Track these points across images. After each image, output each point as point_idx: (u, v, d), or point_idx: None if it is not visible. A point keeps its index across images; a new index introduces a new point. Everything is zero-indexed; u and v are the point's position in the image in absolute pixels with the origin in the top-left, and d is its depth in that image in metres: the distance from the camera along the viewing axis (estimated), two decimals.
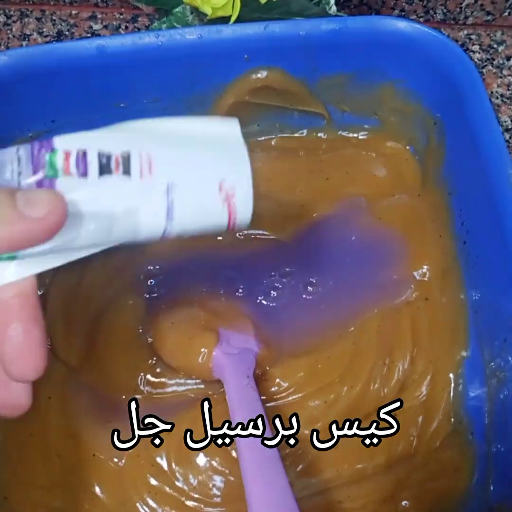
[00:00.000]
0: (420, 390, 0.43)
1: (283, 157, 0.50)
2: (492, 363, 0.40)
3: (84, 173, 0.25)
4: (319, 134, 0.51)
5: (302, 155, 0.50)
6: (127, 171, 0.26)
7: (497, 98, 0.57)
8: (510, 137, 0.56)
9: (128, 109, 0.46)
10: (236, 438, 0.34)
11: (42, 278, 0.45)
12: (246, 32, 0.43)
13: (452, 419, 0.42)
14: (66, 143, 0.25)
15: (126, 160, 0.26)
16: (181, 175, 0.27)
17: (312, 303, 0.45)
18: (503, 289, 0.39)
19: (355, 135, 0.51)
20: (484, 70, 0.58)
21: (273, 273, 0.46)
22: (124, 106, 0.46)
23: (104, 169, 0.25)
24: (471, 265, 0.43)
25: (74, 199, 0.25)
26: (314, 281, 0.46)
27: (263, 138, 0.51)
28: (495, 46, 0.60)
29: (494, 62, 0.59)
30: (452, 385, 0.43)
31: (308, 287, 0.45)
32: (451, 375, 0.43)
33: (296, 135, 0.51)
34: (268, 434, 0.34)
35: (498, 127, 0.39)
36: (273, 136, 0.51)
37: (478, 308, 0.42)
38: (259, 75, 0.46)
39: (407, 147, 0.50)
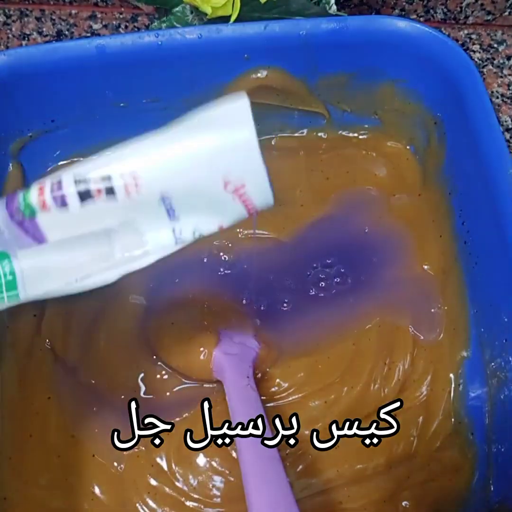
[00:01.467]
0: (421, 390, 0.43)
1: (283, 157, 0.50)
2: (493, 363, 0.40)
3: (63, 204, 0.24)
4: (319, 134, 0.51)
5: (302, 154, 0.50)
6: (110, 192, 0.24)
7: (497, 97, 0.57)
8: (510, 137, 0.56)
9: (128, 108, 0.46)
10: (236, 439, 0.34)
11: None
12: (246, 31, 0.43)
13: (453, 419, 0.42)
14: (39, 181, 0.25)
15: (107, 182, 0.24)
16: (176, 181, 0.25)
17: (311, 303, 0.45)
18: (504, 289, 0.39)
19: (355, 134, 0.51)
20: (484, 70, 0.58)
21: (273, 273, 0.46)
22: (123, 105, 0.46)
23: (85, 195, 0.24)
24: (471, 265, 0.43)
25: (61, 232, 0.24)
26: (312, 281, 0.45)
27: (263, 137, 0.51)
28: (495, 45, 0.59)
29: (495, 62, 0.59)
30: (453, 385, 0.43)
31: (307, 286, 0.45)
32: (451, 375, 0.43)
33: (296, 134, 0.51)
34: (268, 434, 0.34)
35: (499, 127, 0.39)
36: (273, 136, 0.51)
37: (479, 308, 0.42)
38: (259, 75, 0.46)
39: (408, 147, 0.50)
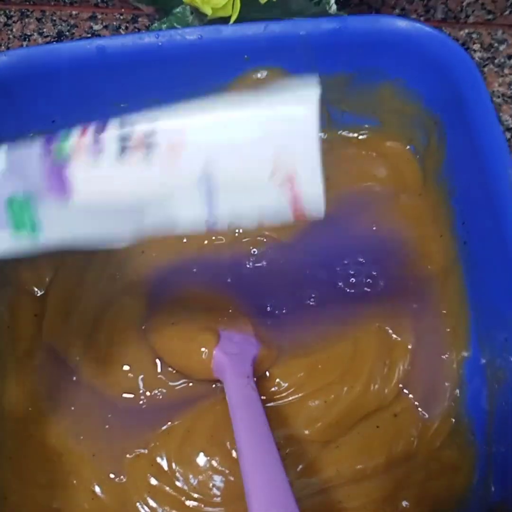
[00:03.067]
0: (421, 390, 0.42)
1: None
2: (493, 363, 0.40)
3: (100, 150, 0.23)
4: (319, 134, 0.51)
5: None
6: (150, 149, 0.23)
7: (498, 97, 0.57)
8: (511, 137, 0.56)
9: (128, 109, 0.46)
10: (236, 438, 0.34)
11: (42, 278, 0.45)
12: (246, 32, 0.43)
13: (453, 419, 0.42)
14: (85, 124, 0.24)
15: (151, 137, 0.23)
16: (222, 155, 0.23)
17: (311, 303, 0.45)
18: (504, 289, 0.38)
19: (355, 135, 0.51)
20: (485, 69, 0.58)
21: (273, 274, 0.46)
22: (124, 106, 0.46)
23: (124, 144, 0.23)
24: (471, 265, 0.43)
25: (88, 187, 0.23)
26: (312, 281, 0.45)
27: None
28: (496, 45, 0.59)
29: (495, 61, 0.59)
30: (453, 385, 0.42)
31: (308, 286, 0.45)
32: (451, 375, 0.43)
33: None
34: (268, 434, 0.34)
35: (499, 127, 0.39)
36: None
37: (479, 307, 0.42)
38: (259, 75, 0.46)
39: (407, 147, 0.50)
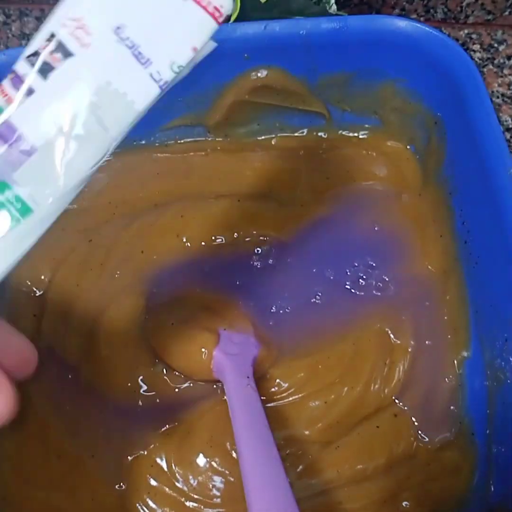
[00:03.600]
0: (421, 390, 0.42)
1: (283, 157, 0.50)
2: (493, 363, 0.40)
3: (29, 93, 0.22)
4: (319, 134, 0.51)
5: (302, 154, 0.50)
6: (62, 49, 0.22)
7: (497, 97, 0.57)
8: (511, 137, 0.56)
9: None
10: (236, 438, 0.34)
11: (41, 278, 0.45)
12: (246, 31, 0.43)
13: (453, 420, 0.42)
14: None
15: (54, 40, 0.22)
16: (124, 4, 0.22)
17: (312, 303, 0.45)
18: (504, 289, 0.38)
19: (356, 134, 0.51)
20: (484, 70, 0.58)
21: (274, 274, 0.46)
22: None
23: (44, 69, 0.22)
24: (472, 265, 0.43)
25: (37, 120, 0.22)
26: (314, 281, 0.45)
27: (263, 137, 0.51)
28: (495, 45, 0.59)
29: (495, 62, 0.59)
30: (453, 385, 0.42)
31: (309, 287, 0.45)
32: (452, 375, 0.43)
33: (296, 134, 0.51)
34: (268, 434, 0.34)
35: (499, 127, 0.39)
36: (273, 136, 0.51)
37: (479, 308, 0.42)
38: (259, 75, 0.46)
39: (408, 147, 0.50)
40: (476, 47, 0.59)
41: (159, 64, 0.23)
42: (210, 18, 0.23)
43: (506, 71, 0.58)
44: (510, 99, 0.57)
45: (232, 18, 0.43)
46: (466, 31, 0.60)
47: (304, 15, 0.46)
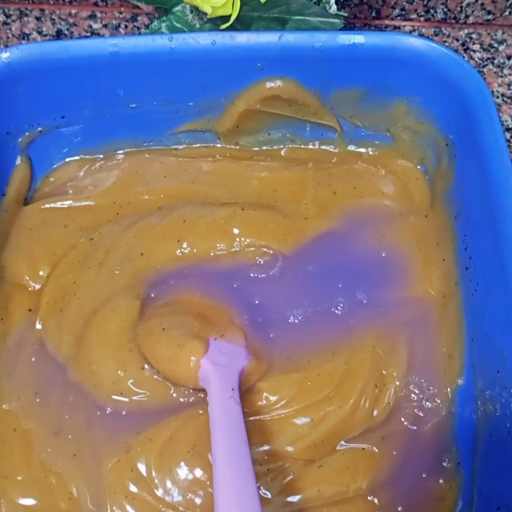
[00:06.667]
0: (410, 416, 0.42)
1: (291, 168, 0.49)
2: (484, 394, 0.39)
3: None
4: (329, 147, 0.50)
5: (311, 166, 0.49)
6: None
7: (498, 97, 0.57)
8: (511, 137, 0.55)
9: (138, 109, 0.46)
10: (212, 449, 0.34)
11: (39, 273, 0.45)
12: (260, 40, 0.43)
13: (441, 447, 0.41)
14: None
15: None
16: None
17: (308, 318, 0.44)
18: (500, 320, 0.38)
19: (366, 150, 0.50)
20: (484, 70, 0.58)
21: (271, 285, 0.45)
22: (134, 106, 0.46)
23: None
24: (471, 291, 0.42)
25: None
26: (312, 296, 0.45)
27: (273, 147, 0.50)
28: (495, 45, 0.59)
29: (495, 62, 0.58)
30: (444, 413, 0.42)
31: (306, 302, 0.45)
32: (444, 403, 0.42)
33: (306, 146, 0.51)
34: (246, 449, 0.34)
35: (508, 155, 0.38)
36: (283, 146, 0.50)
37: (475, 336, 0.41)
38: (271, 84, 0.45)
39: (418, 167, 0.50)
40: (476, 47, 0.59)
41: None
42: None
43: (506, 71, 0.57)
44: (510, 99, 0.56)
45: (232, 18, 0.43)
46: (466, 31, 0.60)
47: (304, 15, 0.46)
